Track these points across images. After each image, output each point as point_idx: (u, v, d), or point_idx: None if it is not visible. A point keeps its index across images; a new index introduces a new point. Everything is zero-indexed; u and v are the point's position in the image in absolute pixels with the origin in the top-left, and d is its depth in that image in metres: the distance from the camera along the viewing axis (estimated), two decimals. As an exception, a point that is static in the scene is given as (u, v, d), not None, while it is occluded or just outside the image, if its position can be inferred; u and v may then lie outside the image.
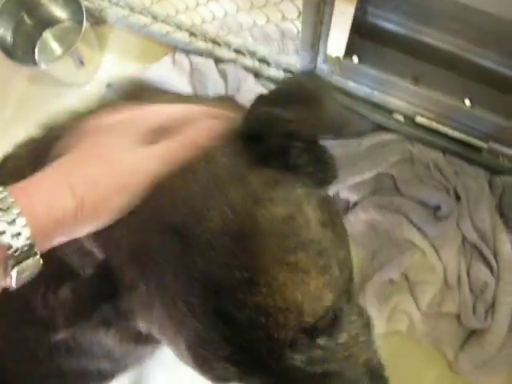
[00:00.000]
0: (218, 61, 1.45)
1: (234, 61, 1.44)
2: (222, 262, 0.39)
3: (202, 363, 0.42)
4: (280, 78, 1.40)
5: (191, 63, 1.45)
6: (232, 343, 0.41)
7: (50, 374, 0.67)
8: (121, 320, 0.48)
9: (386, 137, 1.32)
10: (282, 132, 0.44)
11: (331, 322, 0.43)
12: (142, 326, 0.48)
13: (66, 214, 0.39)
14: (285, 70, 1.40)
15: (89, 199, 0.40)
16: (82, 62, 1.43)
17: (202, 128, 0.47)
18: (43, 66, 1.48)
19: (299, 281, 0.40)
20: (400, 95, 1.27)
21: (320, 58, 1.24)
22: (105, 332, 0.63)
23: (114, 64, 1.57)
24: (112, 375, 0.78)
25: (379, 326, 1.30)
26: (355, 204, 1.29)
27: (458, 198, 1.29)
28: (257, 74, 1.43)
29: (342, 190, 1.29)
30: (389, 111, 1.34)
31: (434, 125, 1.31)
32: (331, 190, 1.28)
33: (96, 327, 0.56)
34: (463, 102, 1.17)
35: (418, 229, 1.26)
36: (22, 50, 1.46)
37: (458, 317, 1.29)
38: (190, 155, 0.44)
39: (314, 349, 0.43)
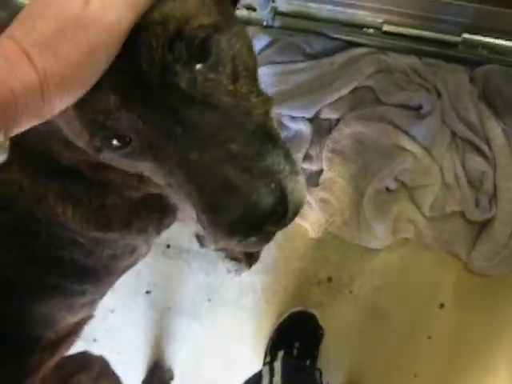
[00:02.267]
0: None
1: None
2: None
3: (87, 101, 0.42)
4: None
5: None
6: (118, 71, 0.41)
7: (21, 259, 0.64)
8: None
9: (358, 51, 1.31)
10: None
11: (205, 44, 0.45)
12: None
13: (29, 91, 0.33)
14: None
15: (52, 70, 0.33)
16: None
17: None
18: None
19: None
20: (364, 5, 1.27)
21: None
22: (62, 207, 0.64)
23: None
24: (92, 269, 0.74)
25: (386, 238, 1.30)
26: (337, 121, 1.29)
27: (439, 95, 1.28)
28: None
29: (322, 110, 1.29)
30: (356, 26, 1.33)
31: (403, 29, 1.30)
32: (311, 112, 1.29)
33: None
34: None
35: (405, 132, 1.25)
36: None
37: (463, 214, 1.28)
38: None
39: (194, 72, 0.45)
